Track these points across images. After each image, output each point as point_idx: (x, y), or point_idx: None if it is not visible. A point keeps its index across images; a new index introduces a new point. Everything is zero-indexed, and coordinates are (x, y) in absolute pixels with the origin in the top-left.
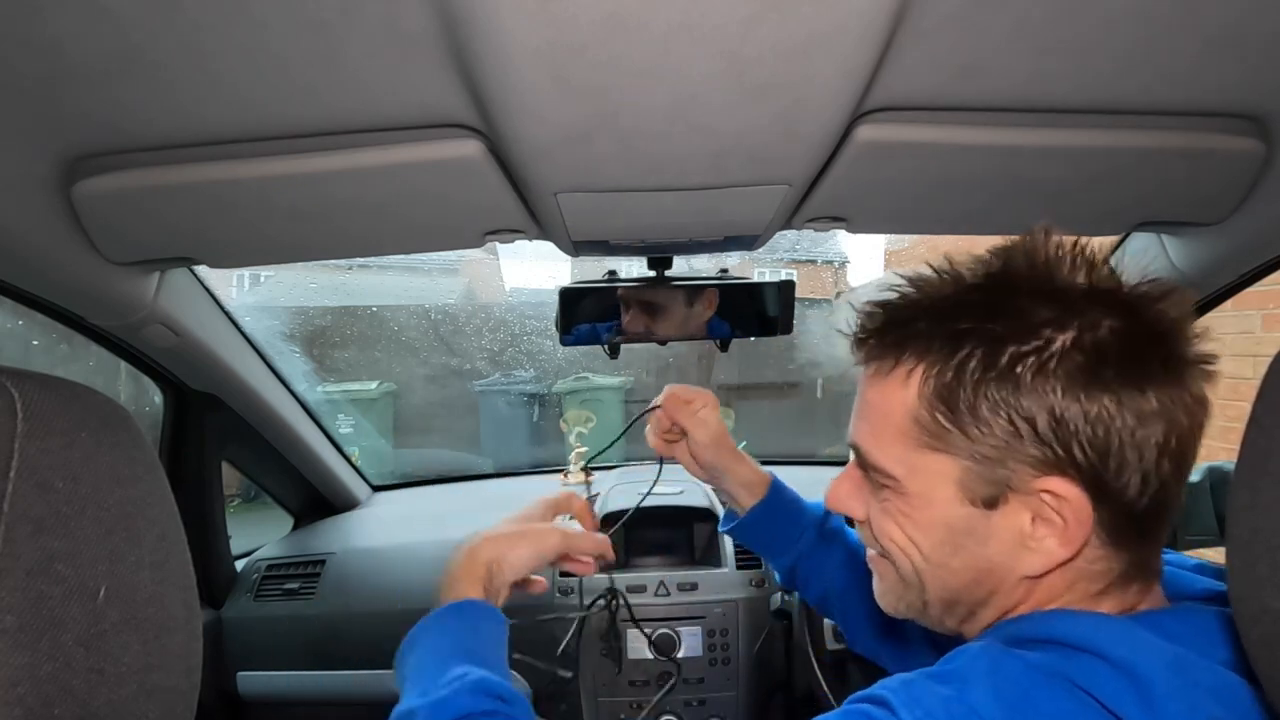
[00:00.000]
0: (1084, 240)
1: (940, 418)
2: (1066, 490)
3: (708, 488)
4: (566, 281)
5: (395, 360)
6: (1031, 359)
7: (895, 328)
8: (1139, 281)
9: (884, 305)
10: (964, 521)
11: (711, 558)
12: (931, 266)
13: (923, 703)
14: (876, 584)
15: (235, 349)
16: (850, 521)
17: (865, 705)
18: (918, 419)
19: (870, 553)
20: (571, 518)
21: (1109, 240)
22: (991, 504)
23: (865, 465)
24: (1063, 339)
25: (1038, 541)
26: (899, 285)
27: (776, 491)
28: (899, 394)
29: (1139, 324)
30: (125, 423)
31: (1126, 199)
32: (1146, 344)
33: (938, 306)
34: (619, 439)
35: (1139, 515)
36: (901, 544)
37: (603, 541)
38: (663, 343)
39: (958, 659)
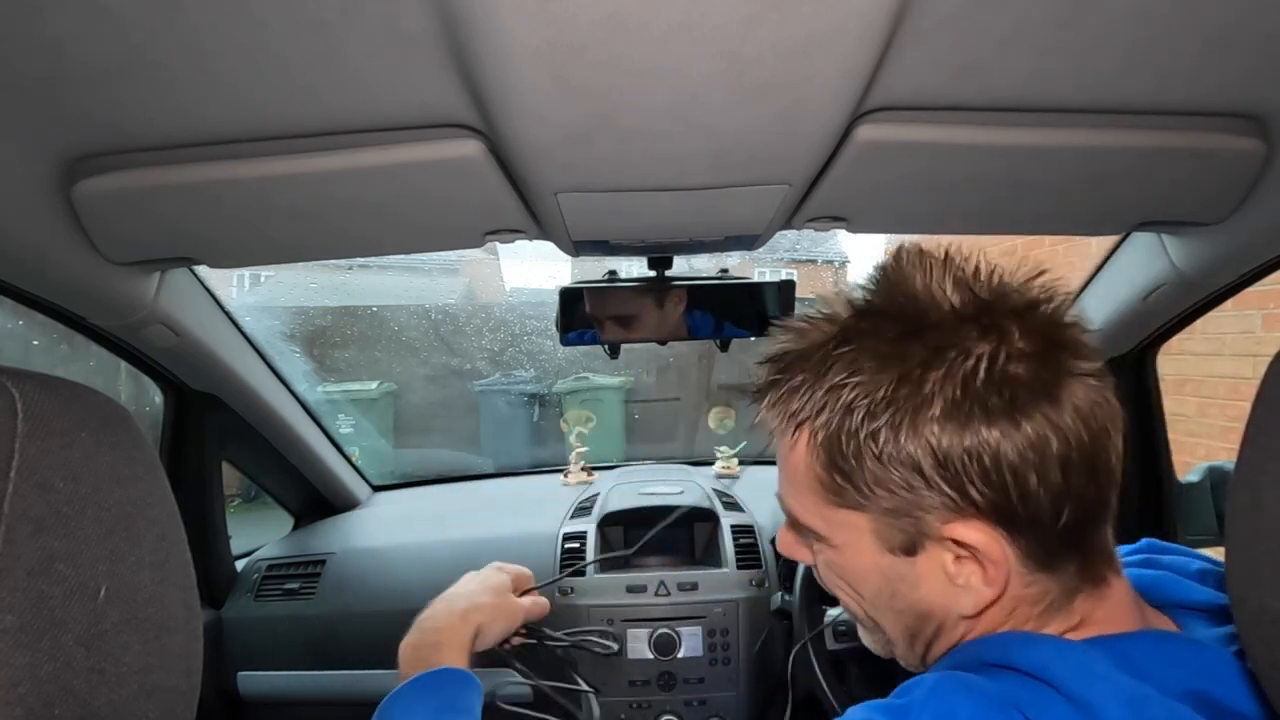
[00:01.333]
0: (953, 252)
1: (836, 477)
2: (971, 535)
3: (709, 487)
4: (566, 281)
5: (395, 360)
6: (905, 404)
7: (779, 388)
8: (1009, 291)
9: (771, 360)
10: (891, 568)
11: (712, 558)
12: (817, 305)
13: None
14: (857, 627)
15: (235, 349)
16: None
17: None
18: (819, 479)
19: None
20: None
21: (1103, 241)
22: (910, 551)
23: (790, 520)
24: (933, 378)
25: (965, 579)
26: (782, 334)
27: None
28: (798, 456)
29: (1008, 346)
30: (125, 423)
31: (1127, 199)
32: (1018, 366)
33: (814, 358)
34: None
35: (1062, 533)
36: (845, 590)
37: (543, 605)
38: (663, 342)
39: (912, 692)
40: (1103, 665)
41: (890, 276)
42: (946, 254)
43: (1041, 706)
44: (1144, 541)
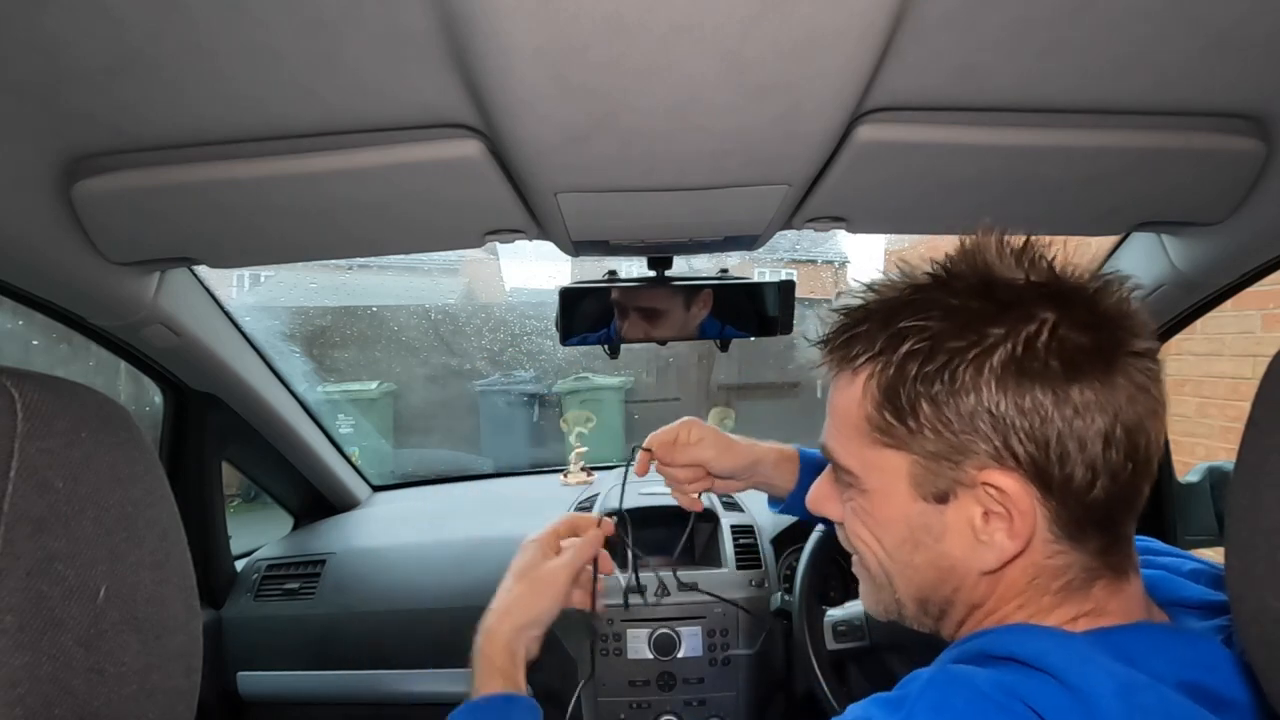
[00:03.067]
0: (1034, 238)
1: (887, 415)
2: (1006, 483)
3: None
4: (566, 281)
5: (395, 360)
6: (968, 355)
7: (847, 331)
8: (1080, 273)
9: (841, 311)
10: (920, 517)
11: (712, 558)
12: (888, 271)
13: None
14: (860, 589)
15: (235, 349)
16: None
17: None
18: (869, 417)
19: (854, 559)
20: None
21: (1103, 241)
22: (943, 499)
23: (834, 465)
24: (995, 334)
25: (989, 535)
26: (855, 290)
27: (807, 458)
28: (852, 394)
29: (1072, 317)
30: (125, 422)
31: (1126, 199)
32: (1080, 336)
33: (885, 309)
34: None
35: (1092, 507)
36: (868, 542)
37: (601, 526)
38: (663, 343)
39: (910, 685)
40: (1098, 654)
41: (968, 247)
42: (1027, 239)
43: (1041, 694)
44: (1140, 543)
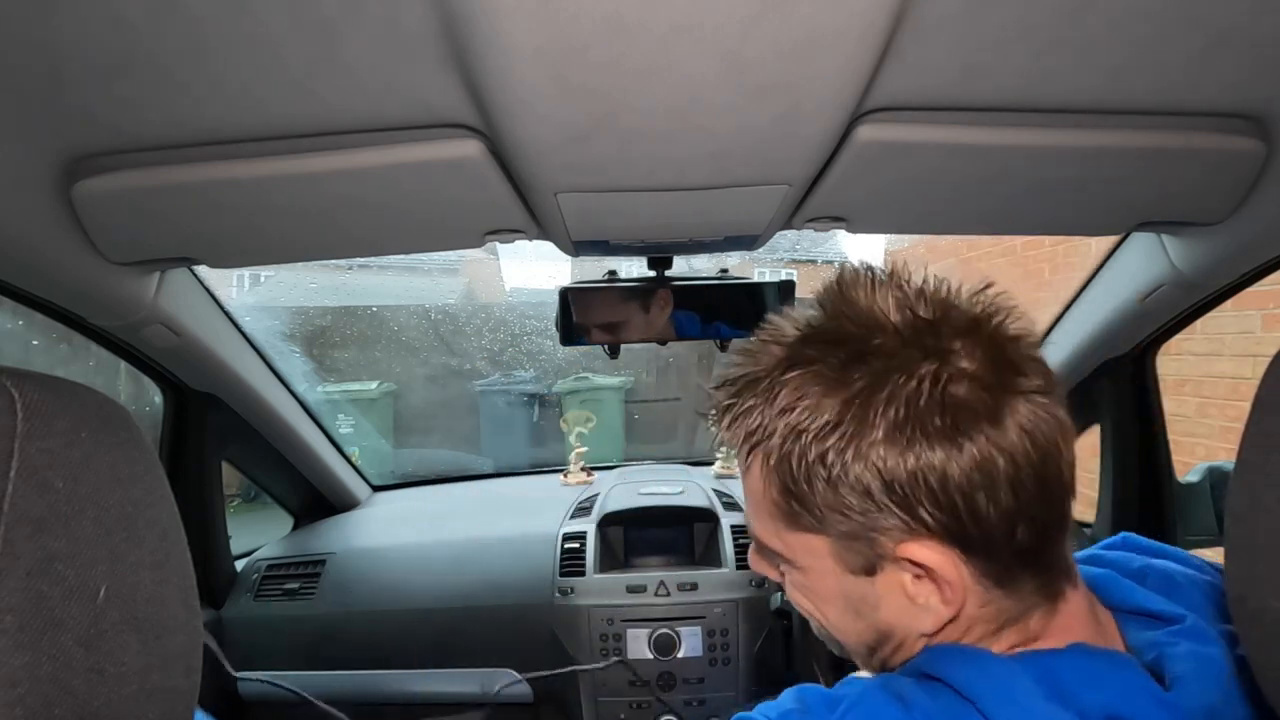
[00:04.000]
0: (900, 265)
1: (791, 502)
2: (924, 555)
3: (708, 488)
4: (566, 281)
5: (395, 360)
6: (849, 426)
7: (732, 411)
8: (956, 302)
9: (725, 384)
10: (854, 589)
11: (711, 558)
12: (766, 328)
13: None
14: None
15: (235, 349)
16: None
17: None
18: (775, 503)
19: None
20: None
21: (1103, 241)
22: (870, 571)
23: (757, 544)
24: (877, 400)
25: (925, 599)
26: (735, 357)
27: None
28: (754, 480)
29: (951, 365)
30: (125, 422)
31: (1126, 199)
32: (960, 388)
33: (764, 382)
34: None
35: (1018, 551)
36: (809, 610)
37: None
38: (663, 343)
39: (849, 688)
40: (1025, 687)
41: (835, 298)
42: (892, 271)
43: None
44: (1120, 536)
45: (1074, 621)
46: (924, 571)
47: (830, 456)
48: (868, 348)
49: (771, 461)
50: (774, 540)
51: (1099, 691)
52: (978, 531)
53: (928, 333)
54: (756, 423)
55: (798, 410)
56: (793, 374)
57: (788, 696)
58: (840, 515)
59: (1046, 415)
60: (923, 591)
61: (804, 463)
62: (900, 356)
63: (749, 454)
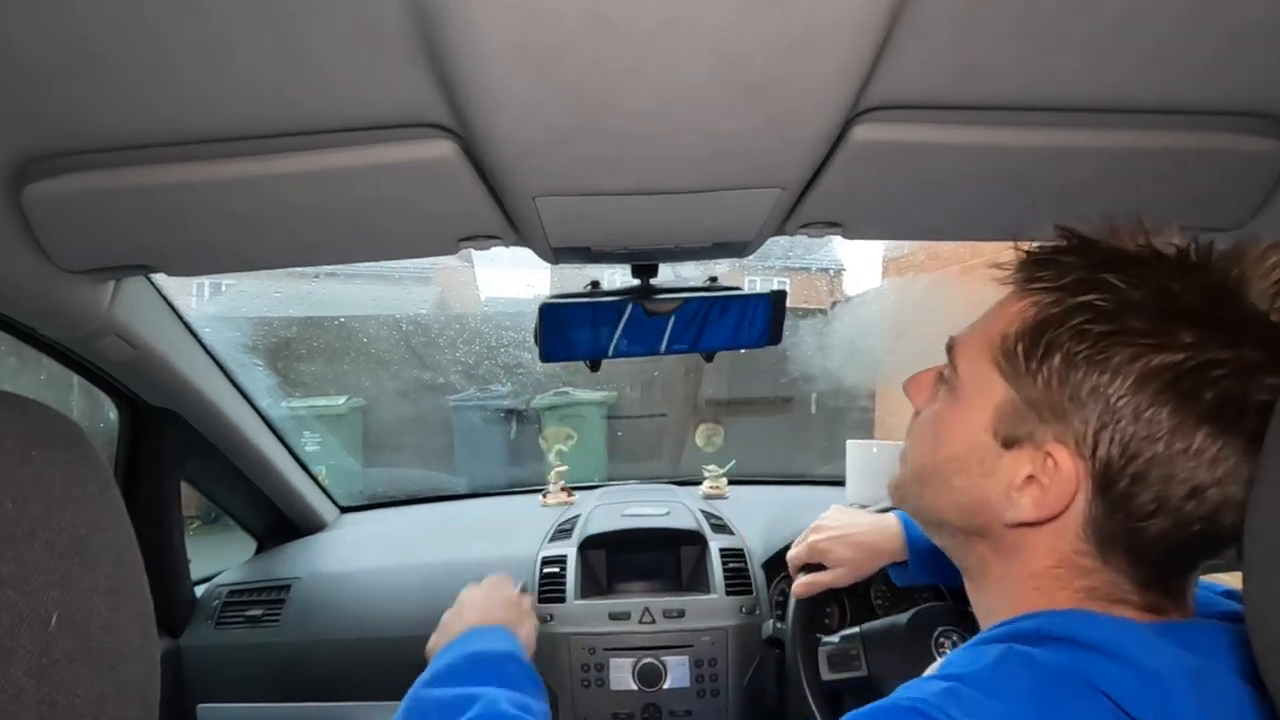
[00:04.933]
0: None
1: (1020, 347)
2: (1065, 462)
3: (695, 509)
4: (545, 290)
5: (364, 374)
6: (1137, 343)
7: (1050, 254)
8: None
9: (1073, 235)
10: (981, 449)
11: (699, 583)
12: (1158, 228)
13: (965, 708)
14: (896, 471)
15: (195, 362)
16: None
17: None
18: (1004, 338)
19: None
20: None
21: None
22: (1009, 445)
23: (949, 358)
24: (1181, 342)
25: (1020, 494)
26: (1104, 229)
27: (907, 523)
28: (1008, 311)
29: (1275, 371)
30: (78, 440)
31: (1139, 204)
32: (1265, 395)
33: (1099, 254)
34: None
35: (1135, 534)
36: (928, 443)
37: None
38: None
39: (978, 660)
40: (1165, 643)
41: (1231, 254)
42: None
43: (1109, 675)
44: None
45: (1176, 612)
46: (1049, 473)
47: (1098, 346)
48: (1222, 308)
49: (1047, 305)
50: (965, 361)
51: (1235, 655)
52: (1125, 490)
53: (1256, 333)
54: (1069, 275)
55: (1111, 297)
56: (1137, 269)
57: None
58: (1045, 385)
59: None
60: (1024, 490)
61: (1072, 329)
62: (1240, 338)
63: (1035, 289)
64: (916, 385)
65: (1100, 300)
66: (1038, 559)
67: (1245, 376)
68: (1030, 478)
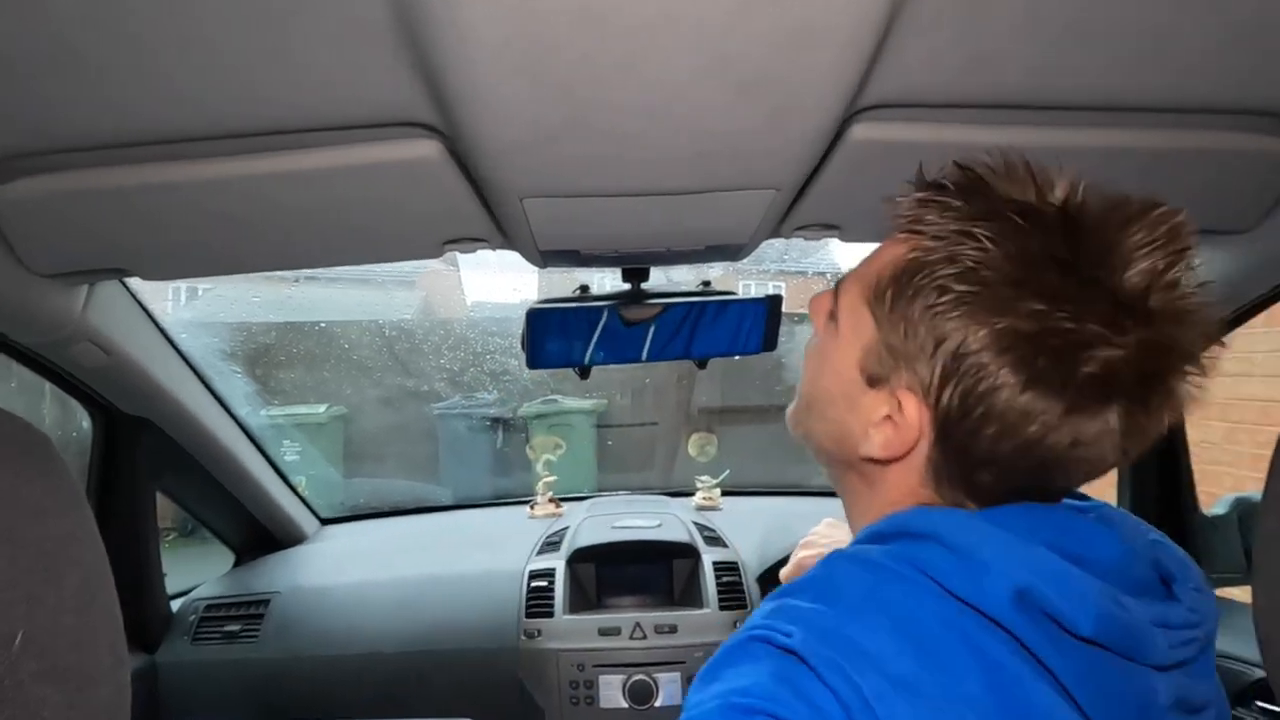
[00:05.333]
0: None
1: (890, 290)
2: (911, 408)
3: (688, 520)
4: (533, 294)
5: (346, 381)
6: (979, 310)
7: (934, 197)
8: (1189, 312)
9: (965, 170)
10: (850, 385)
11: (692, 597)
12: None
13: (799, 621)
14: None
15: (171, 369)
16: None
17: (753, 642)
18: (879, 279)
19: None
20: None
21: None
22: (872, 384)
23: (834, 293)
24: (1010, 321)
25: (876, 432)
26: (995, 168)
27: None
28: (890, 252)
29: (1143, 349)
30: (46, 451)
31: None
32: (1128, 373)
33: (984, 203)
34: None
35: (978, 484)
36: (812, 374)
37: None
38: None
39: (819, 570)
40: (980, 523)
41: (1102, 205)
42: (1184, 248)
43: (929, 558)
44: None
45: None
46: (897, 417)
47: (959, 301)
48: (1102, 282)
49: (913, 255)
50: (847, 298)
51: (1042, 528)
52: (961, 439)
53: (1143, 304)
54: (946, 225)
55: (979, 254)
56: (1012, 225)
57: (764, 610)
58: (903, 331)
59: (1139, 429)
60: (878, 429)
61: (936, 279)
62: (1112, 315)
63: (908, 234)
64: (815, 309)
65: (965, 255)
66: (891, 491)
67: (1080, 349)
68: (887, 417)
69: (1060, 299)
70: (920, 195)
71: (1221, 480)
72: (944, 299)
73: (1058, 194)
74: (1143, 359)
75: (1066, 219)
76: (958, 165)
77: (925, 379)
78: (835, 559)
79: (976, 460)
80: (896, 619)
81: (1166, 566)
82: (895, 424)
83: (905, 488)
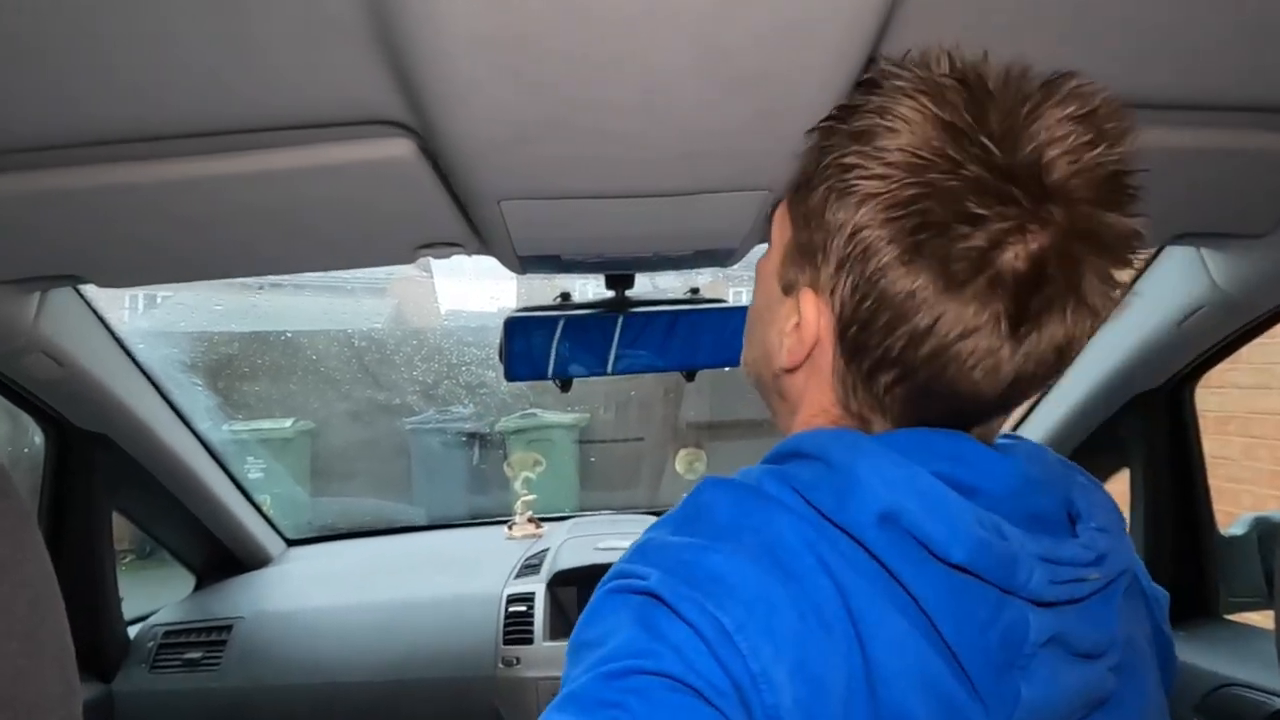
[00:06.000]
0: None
1: (800, 184)
2: (809, 308)
3: None
4: (511, 302)
5: (313, 394)
6: (870, 190)
7: (869, 85)
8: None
9: (872, 79)
10: (771, 298)
11: None
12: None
13: (658, 559)
14: None
15: (128, 381)
16: None
17: (612, 595)
18: (800, 175)
19: None
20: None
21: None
22: (787, 291)
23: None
24: (895, 197)
25: (785, 339)
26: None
27: None
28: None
29: (1067, 235)
30: None
31: (1160, 208)
32: (1026, 268)
33: (894, 87)
34: None
35: (880, 393)
36: (753, 296)
37: None
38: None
39: (688, 498)
40: (869, 443)
41: (1013, 79)
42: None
43: (805, 477)
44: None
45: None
46: (799, 318)
47: (855, 184)
48: (1016, 173)
49: (829, 138)
50: (778, 211)
51: (931, 454)
52: (857, 339)
53: (1061, 190)
54: (857, 104)
55: (883, 138)
56: (921, 113)
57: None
58: (809, 225)
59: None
60: (792, 336)
61: (836, 161)
62: (1026, 201)
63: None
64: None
65: (867, 132)
66: (805, 410)
67: (964, 221)
68: (796, 325)
69: (952, 169)
70: (857, 86)
71: (1240, 498)
72: (843, 178)
73: (965, 69)
74: (1035, 239)
75: (968, 89)
76: (886, 60)
77: (825, 273)
78: (705, 484)
79: (875, 361)
80: (762, 543)
81: (1076, 505)
82: (799, 328)
83: (817, 406)
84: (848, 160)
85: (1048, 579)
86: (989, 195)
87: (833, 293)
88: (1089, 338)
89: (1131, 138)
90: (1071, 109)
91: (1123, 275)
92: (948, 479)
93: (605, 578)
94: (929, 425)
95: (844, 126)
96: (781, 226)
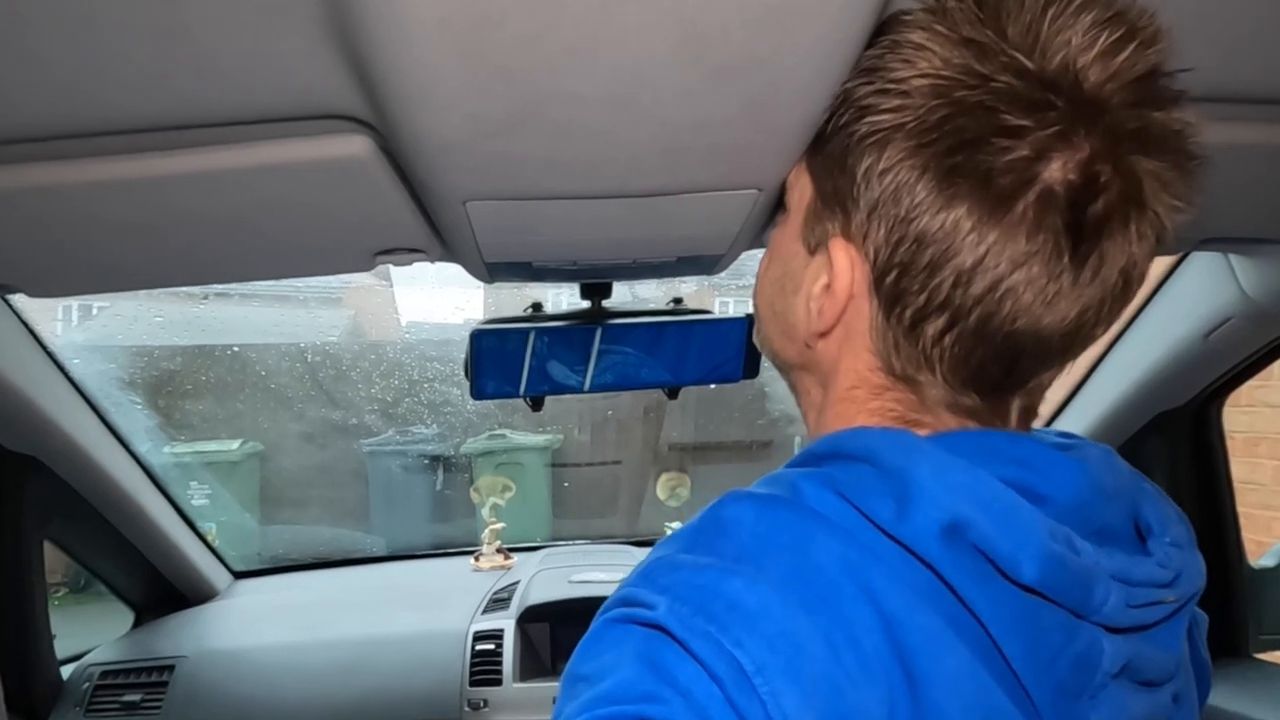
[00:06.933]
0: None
1: (819, 136)
2: (841, 257)
3: None
4: (478, 314)
5: (262, 413)
6: (908, 110)
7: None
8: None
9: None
10: (794, 261)
11: None
12: None
13: (668, 585)
14: None
15: (61, 399)
16: None
17: (613, 625)
18: (824, 125)
19: None
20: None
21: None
22: (813, 251)
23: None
24: (946, 102)
25: (816, 303)
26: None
27: None
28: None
29: (1124, 155)
30: None
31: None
32: (1088, 198)
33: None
34: None
35: (926, 346)
36: (763, 269)
37: None
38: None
39: (707, 511)
40: (923, 443)
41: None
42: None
43: (853, 481)
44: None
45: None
46: (830, 273)
47: (880, 120)
48: (1058, 84)
49: (848, 84)
50: (792, 174)
51: (995, 457)
52: (895, 288)
53: (1119, 109)
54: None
55: (902, 54)
56: (954, 35)
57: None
58: (835, 171)
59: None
60: (821, 299)
61: (855, 103)
62: (1071, 115)
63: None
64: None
65: (885, 71)
66: (841, 381)
67: (999, 136)
68: (826, 286)
69: (981, 82)
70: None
71: (1271, 527)
72: (865, 120)
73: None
74: (1082, 145)
75: (983, 6)
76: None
77: (856, 219)
78: (728, 498)
79: (918, 309)
80: (791, 566)
81: (1146, 518)
82: (832, 287)
83: (854, 375)
84: (866, 100)
85: (1124, 602)
86: (1025, 105)
87: (865, 238)
88: (1150, 261)
89: (1165, 37)
90: (1096, 12)
91: (1183, 185)
92: (1015, 485)
93: (605, 605)
94: (984, 381)
95: (863, 74)
96: (800, 187)
